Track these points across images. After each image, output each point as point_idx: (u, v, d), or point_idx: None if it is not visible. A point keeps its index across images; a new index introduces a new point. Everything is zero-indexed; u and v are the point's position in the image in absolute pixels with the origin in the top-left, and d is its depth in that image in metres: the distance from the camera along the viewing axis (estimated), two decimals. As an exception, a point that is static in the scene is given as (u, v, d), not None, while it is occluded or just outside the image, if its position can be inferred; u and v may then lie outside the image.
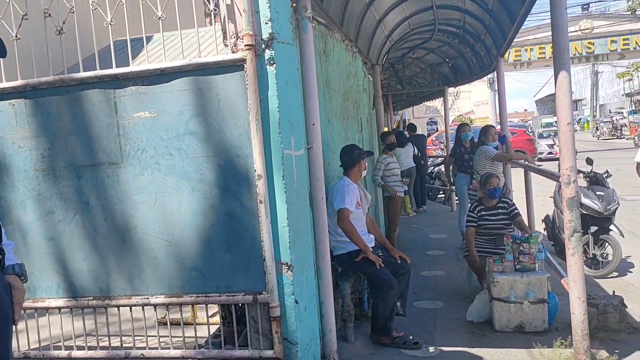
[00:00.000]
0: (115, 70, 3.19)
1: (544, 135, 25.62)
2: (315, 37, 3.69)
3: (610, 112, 45.35)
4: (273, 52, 2.98)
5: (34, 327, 3.53)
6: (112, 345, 3.45)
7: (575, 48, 27.80)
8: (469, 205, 6.37)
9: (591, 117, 48.10)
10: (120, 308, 3.36)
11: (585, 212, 5.90)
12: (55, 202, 3.36)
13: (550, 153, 22.15)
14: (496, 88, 12.63)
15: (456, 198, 8.69)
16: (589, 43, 28.26)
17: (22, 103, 3.34)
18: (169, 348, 3.34)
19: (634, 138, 27.75)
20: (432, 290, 5.61)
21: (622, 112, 40.49)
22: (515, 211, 5.14)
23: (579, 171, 5.11)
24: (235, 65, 2.99)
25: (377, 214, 6.92)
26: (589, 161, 6.42)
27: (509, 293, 4.33)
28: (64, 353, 3.46)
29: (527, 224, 5.39)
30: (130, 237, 3.25)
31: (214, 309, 4.32)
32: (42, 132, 3.33)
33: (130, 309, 3.38)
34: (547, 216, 7.38)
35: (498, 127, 7.52)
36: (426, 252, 7.30)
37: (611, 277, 5.92)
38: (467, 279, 5.43)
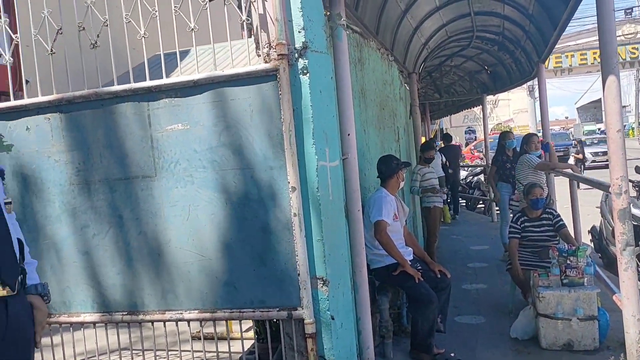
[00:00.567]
0: (148, 83, 3.16)
1: (587, 143, 24.97)
2: (349, 46, 3.60)
3: (656, 118, 43.96)
4: (306, 61, 2.91)
5: (69, 341, 3.52)
6: (146, 360, 3.40)
7: (619, 53, 27.08)
8: (511, 215, 6.17)
9: (636, 124, 46.70)
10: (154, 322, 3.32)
11: (636, 224, 5.63)
12: (90, 216, 3.35)
13: (594, 161, 21.54)
14: (537, 95, 12.34)
15: (497, 208, 8.46)
16: (632, 48, 27.51)
17: (57, 117, 3.35)
18: (203, 364, 3.27)
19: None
20: (473, 305, 5.42)
21: (669, 118, 39.17)
22: (561, 222, 4.94)
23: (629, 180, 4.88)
24: (268, 75, 2.93)
25: (415, 225, 6.77)
26: (638, 170, 6.15)
27: (556, 309, 4.13)
28: (98, 368, 3.43)
29: (573, 235, 5.17)
30: (164, 251, 3.21)
31: (248, 323, 4.24)
32: (77, 146, 3.33)
33: (164, 324, 3.33)
34: (593, 227, 7.10)
35: (540, 135, 7.29)
36: (467, 264, 7.10)
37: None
38: (510, 293, 5.23)
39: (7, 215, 1.81)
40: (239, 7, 3.03)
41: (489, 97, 13.26)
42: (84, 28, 3.31)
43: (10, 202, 1.88)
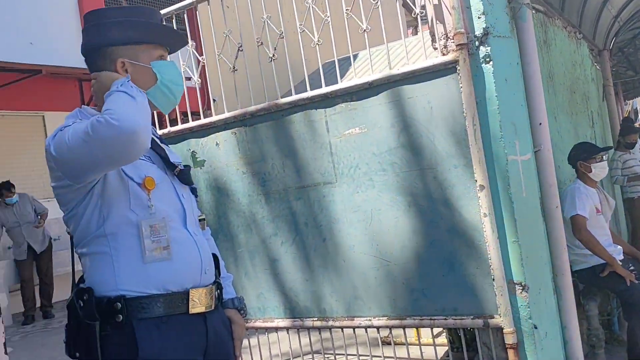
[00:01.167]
0: (324, 90, 3.16)
1: None
2: (534, 27, 3.28)
3: None
4: (488, 48, 2.68)
5: (264, 344, 3.65)
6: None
7: None
8: None
9: None
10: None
11: None
12: (277, 225, 3.44)
13: None
14: None
15: None
16: None
17: (242, 131, 3.49)
18: (395, 373, 3.18)
19: None
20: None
21: None
22: None
23: None
24: (447, 69, 2.75)
25: (617, 219, 6.05)
26: None
27: None
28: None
29: None
30: (349, 257, 3.17)
31: (439, 328, 4.07)
32: (262, 157, 3.44)
33: (354, 330, 3.30)
34: None
35: None
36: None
37: None
38: None
39: (201, 232, 1.85)
40: (412, 0, 2.89)
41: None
42: (262, 43, 3.42)
43: (204, 219, 1.93)
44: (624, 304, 3.63)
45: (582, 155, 3.80)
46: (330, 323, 3.29)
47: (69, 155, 1.53)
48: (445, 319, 2.91)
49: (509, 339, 2.70)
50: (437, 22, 2.80)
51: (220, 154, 3.58)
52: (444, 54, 2.78)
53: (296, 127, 3.30)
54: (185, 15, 3.64)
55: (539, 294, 2.82)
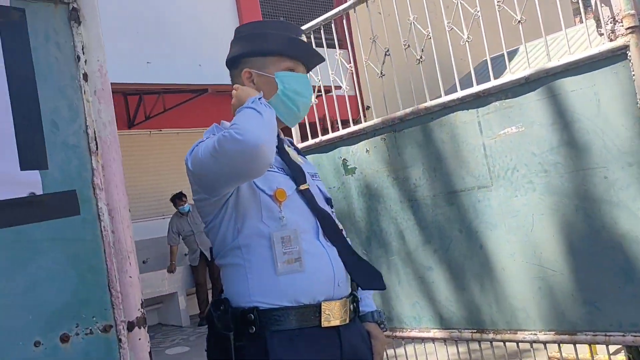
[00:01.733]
0: (476, 89, 3.00)
1: None
2: None
3: None
4: (664, 29, 2.36)
5: (421, 355, 3.55)
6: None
7: None
8: None
9: None
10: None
11: None
12: (431, 231, 3.33)
13: None
14: None
15: None
16: None
17: (392, 136, 3.44)
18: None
19: None
20: None
21: None
22: None
23: None
24: (615, 55, 2.47)
25: None
26: None
27: None
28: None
29: None
30: (508, 266, 2.97)
31: (616, 345, 3.67)
32: (412, 162, 3.36)
33: (517, 344, 3.07)
34: None
35: None
36: None
37: None
38: None
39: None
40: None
41: None
42: (409, 45, 3.35)
43: (341, 230, 1.89)
44: None
45: None
46: (491, 336, 3.10)
47: (201, 170, 1.60)
48: (623, 335, 2.60)
49: None
50: (602, 5, 2.53)
51: (371, 161, 3.56)
52: (611, 40, 2.51)
53: (447, 130, 3.17)
54: (333, 25, 3.68)
55: None
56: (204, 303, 8.35)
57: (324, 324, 1.66)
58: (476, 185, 3.08)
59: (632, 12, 2.39)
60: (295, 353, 1.61)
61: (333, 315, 1.67)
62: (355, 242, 3.65)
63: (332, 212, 1.88)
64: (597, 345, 3.62)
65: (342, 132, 3.67)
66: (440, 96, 3.20)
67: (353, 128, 3.61)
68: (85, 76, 1.05)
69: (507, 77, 2.89)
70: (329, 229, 1.78)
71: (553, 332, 2.84)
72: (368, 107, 10.98)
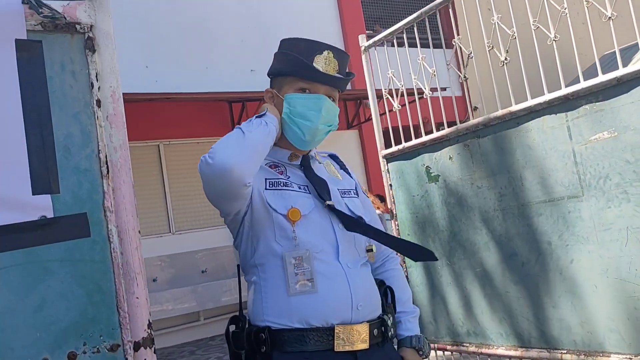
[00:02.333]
0: (563, 91, 2.79)
1: None
2: None
3: None
4: None
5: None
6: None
7: None
8: None
9: None
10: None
11: None
12: (517, 243, 3.13)
13: None
14: None
15: None
16: None
17: (475, 143, 3.28)
18: None
19: None
20: None
21: None
22: None
23: None
24: None
25: None
26: None
27: None
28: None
29: None
30: (601, 283, 2.72)
31: None
32: (497, 170, 3.18)
33: (612, 368, 2.81)
34: None
35: None
36: None
37: None
38: None
39: (357, 264, 1.74)
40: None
41: None
42: (492, 47, 3.18)
43: (371, 250, 1.81)
44: None
45: None
46: (582, 358, 2.85)
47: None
48: None
49: None
50: None
51: (454, 168, 3.42)
52: None
53: (533, 136, 2.97)
54: (438, 17, 3.49)
55: None
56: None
57: (337, 348, 1.60)
58: (566, 195, 2.86)
59: None
60: None
61: (348, 340, 1.61)
62: (439, 253, 3.53)
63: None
64: None
65: (424, 138, 3.56)
66: (526, 100, 3.00)
67: (436, 134, 3.49)
68: (99, 102, 1.09)
69: (597, 79, 2.65)
70: (353, 249, 1.74)
71: (652, 358, 2.57)
72: (476, 108, 10.63)
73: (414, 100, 3.71)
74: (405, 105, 3.77)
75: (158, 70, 8.40)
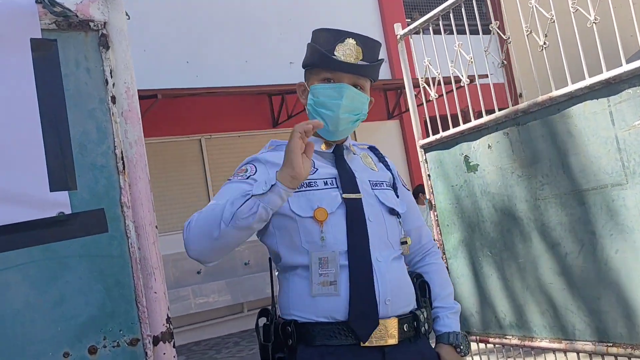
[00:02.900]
0: (605, 75, 2.67)
1: None
2: None
3: None
4: None
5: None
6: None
7: None
8: None
9: None
10: None
11: None
12: (560, 233, 3.03)
13: None
14: None
15: None
16: None
17: (515, 130, 3.19)
18: None
19: None
20: None
21: None
22: None
23: None
24: None
25: None
26: None
27: None
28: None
29: None
30: (648, 274, 2.61)
31: None
32: (538, 158, 3.09)
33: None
34: None
35: None
36: None
37: None
38: None
39: (389, 257, 1.70)
40: None
41: None
42: (531, 31, 3.08)
43: (405, 242, 1.76)
44: None
45: None
46: (629, 351, 2.75)
47: None
48: None
49: None
50: None
51: (493, 157, 3.33)
52: None
53: (575, 122, 2.86)
54: (474, 2, 3.36)
55: None
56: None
57: (363, 343, 1.57)
58: (609, 182, 2.75)
59: None
60: None
61: (375, 335, 1.57)
62: (482, 243, 3.46)
63: (399, 221, 1.76)
64: None
65: (462, 127, 3.48)
66: (567, 85, 2.90)
67: (474, 123, 3.41)
68: (114, 99, 1.10)
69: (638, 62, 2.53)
70: (386, 241, 1.70)
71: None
72: (521, 95, 10.35)
73: (452, 90, 3.63)
74: (442, 95, 3.69)
75: (199, 65, 8.50)
